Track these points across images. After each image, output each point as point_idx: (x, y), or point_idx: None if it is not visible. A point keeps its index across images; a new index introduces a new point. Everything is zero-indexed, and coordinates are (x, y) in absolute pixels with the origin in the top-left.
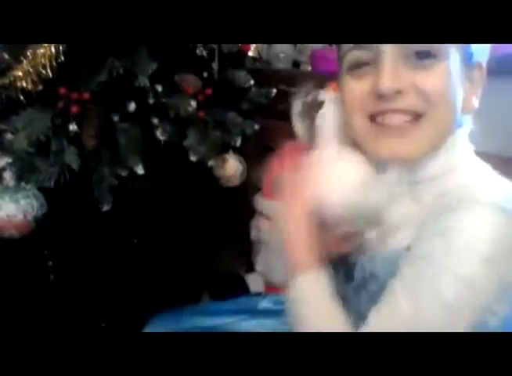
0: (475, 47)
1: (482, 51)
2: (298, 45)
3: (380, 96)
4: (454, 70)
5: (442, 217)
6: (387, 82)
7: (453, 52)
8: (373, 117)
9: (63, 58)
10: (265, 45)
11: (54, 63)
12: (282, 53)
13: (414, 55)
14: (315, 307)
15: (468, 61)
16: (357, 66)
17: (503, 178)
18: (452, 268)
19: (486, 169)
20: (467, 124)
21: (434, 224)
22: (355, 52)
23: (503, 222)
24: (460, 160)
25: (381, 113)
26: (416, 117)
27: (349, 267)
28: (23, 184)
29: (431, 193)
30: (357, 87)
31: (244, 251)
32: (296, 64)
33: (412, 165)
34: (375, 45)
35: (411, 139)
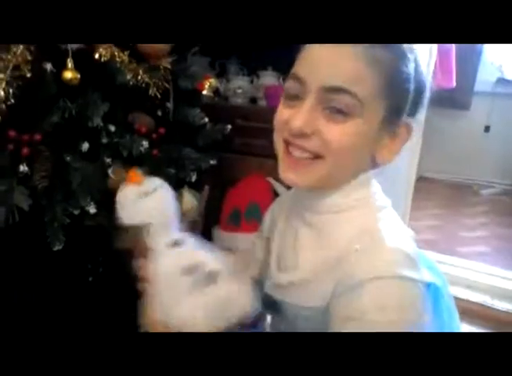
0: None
1: (414, 111)
2: (254, 81)
3: (290, 130)
4: (366, 128)
5: (347, 298)
6: (297, 123)
7: (373, 113)
8: (286, 143)
9: (12, 101)
10: (223, 82)
11: (4, 106)
12: (239, 89)
13: (329, 108)
14: None
15: (394, 120)
16: (288, 96)
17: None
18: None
19: (389, 215)
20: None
21: (345, 305)
22: (289, 82)
23: (404, 289)
24: (364, 201)
25: (290, 143)
26: (316, 157)
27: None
28: None
29: (331, 225)
30: (283, 112)
31: None
32: (253, 100)
33: (318, 195)
34: (309, 81)
35: (306, 172)
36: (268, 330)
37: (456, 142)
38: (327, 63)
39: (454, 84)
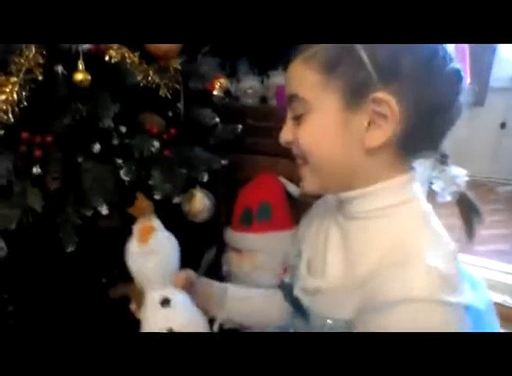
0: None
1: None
2: (265, 81)
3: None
4: (326, 119)
5: (375, 317)
6: (282, 135)
7: (323, 102)
8: None
9: (25, 103)
10: (234, 82)
11: (16, 109)
12: (250, 89)
13: (293, 117)
14: None
15: (358, 99)
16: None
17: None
18: None
19: (429, 225)
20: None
21: (372, 324)
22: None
23: (436, 312)
24: (394, 207)
25: None
26: (304, 162)
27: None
28: None
29: (361, 232)
30: None
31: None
32: (263, 100)
33: (348, 199)
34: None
35: (304, 178)
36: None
37: (471, 139)
38: (287, 76)
39: (468, 80)
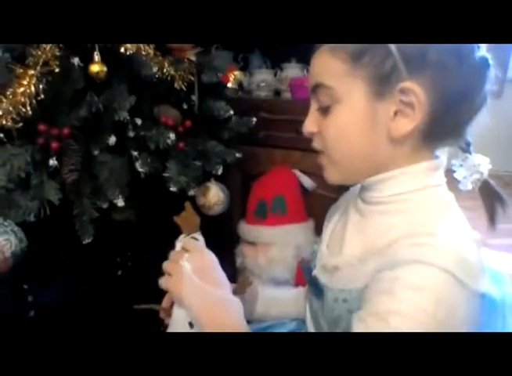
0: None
1: (413, 71)
2: (278, 73)
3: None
4: (353, 110)
5: (386, 273)
6: (306, 126)
7: (350, 91)
8: None
9: (42, 96)
10: (247, 76)
11: (34, 101)
12: (263, 82)
13: (319, 108)
14: None
15: (384, 89)
16: None
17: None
18: (398, 327)
19: (450, 213)
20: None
21: (382, 279)
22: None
23: (448, 284)
24: (414, 193)
25: None
26: (327, 153)
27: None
28: (0, 220)
29: (380, 216)
30: None
31: (228, 280)
32: (277, 93)
33: (367, 185)
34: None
35: (326, 168)
36: (308, 316)
37: (487, 132)
38: (312, 66)
39: None
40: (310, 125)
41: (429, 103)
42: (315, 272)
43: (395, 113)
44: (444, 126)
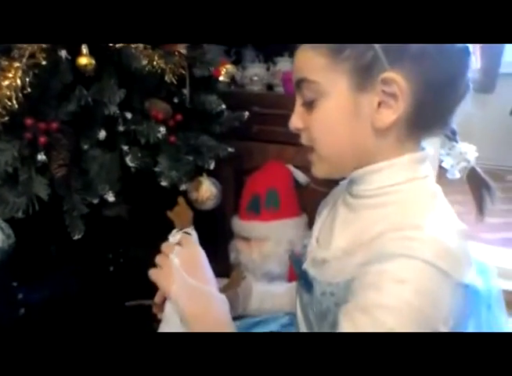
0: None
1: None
2: (271, 67)
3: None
4: (337, 102)
5: (372, 267)
6: (292, 122)
7: (334, 84)
8: None
9: (29, 89)
10: (240, 70)
11: (20, 95)
12: (255, 76)
13: (304, 103)
14: None
15: (365, 80)
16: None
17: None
18: (384, 320)
19: (437, 205)
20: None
21: (369, 272)
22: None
23: (431, 276)
24: (401, 184)
25: None
26: (313, 148)
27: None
28: None
29: (367, 210)
30: None
31: (222, 274)
32: (270, 87)
33: (355, 178)
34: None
35: (314, 163)
36: (298, 309)
37: (480, 126)
38: (295, 61)
39: (478, 65)
40: (296, 121)
41: (411, 92)
42: (304, 266)
43: (379, 105)
44: (428, 115)
